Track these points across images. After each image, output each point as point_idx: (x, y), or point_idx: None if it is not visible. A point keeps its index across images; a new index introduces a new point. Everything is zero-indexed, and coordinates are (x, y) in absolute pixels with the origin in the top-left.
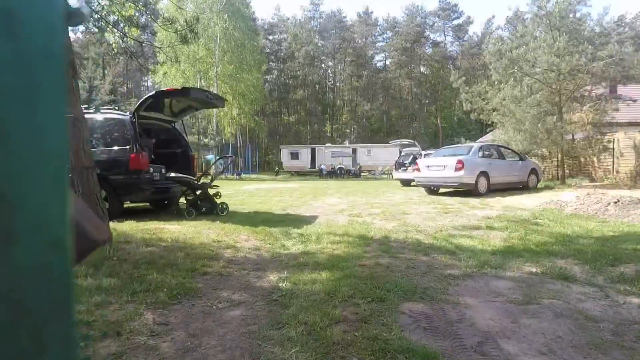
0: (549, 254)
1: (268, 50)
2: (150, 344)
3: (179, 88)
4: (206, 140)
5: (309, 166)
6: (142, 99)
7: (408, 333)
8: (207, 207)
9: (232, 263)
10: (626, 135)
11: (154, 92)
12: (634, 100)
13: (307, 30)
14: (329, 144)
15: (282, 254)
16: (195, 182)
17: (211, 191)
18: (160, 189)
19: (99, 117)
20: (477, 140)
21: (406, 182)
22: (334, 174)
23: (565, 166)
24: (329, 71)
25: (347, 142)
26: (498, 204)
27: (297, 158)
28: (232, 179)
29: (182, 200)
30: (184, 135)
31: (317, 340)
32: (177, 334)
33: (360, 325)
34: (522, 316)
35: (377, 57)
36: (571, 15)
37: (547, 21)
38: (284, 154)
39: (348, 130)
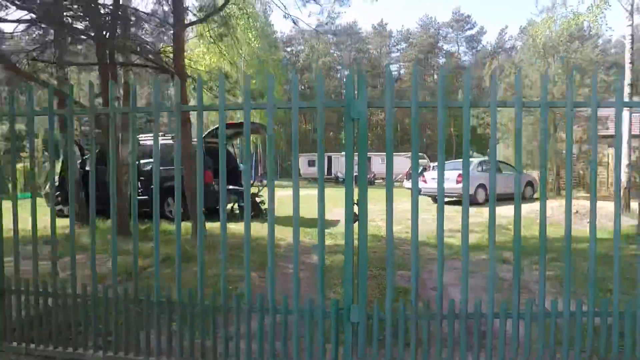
0: (502, 248)
1: (286, 62)
2: (260, 284)
3: (238, 122)
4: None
5: (326, 174)
6: (209, 130)
7: (399, 283)
8: (254, 213)
9: (289, 250)
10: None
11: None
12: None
13: (323, 42)
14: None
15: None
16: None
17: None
18: (218, 198)
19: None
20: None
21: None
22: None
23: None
24: (344, 80)
25: None
26: (499, 212)
27: (314, 165)
28: (256, 186)
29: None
30: (234, 154)
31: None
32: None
33: (371, 279)
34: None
35: (392, 67)
36: (561, 48)
37: (542, 51)
38: (302, 161)
39: None
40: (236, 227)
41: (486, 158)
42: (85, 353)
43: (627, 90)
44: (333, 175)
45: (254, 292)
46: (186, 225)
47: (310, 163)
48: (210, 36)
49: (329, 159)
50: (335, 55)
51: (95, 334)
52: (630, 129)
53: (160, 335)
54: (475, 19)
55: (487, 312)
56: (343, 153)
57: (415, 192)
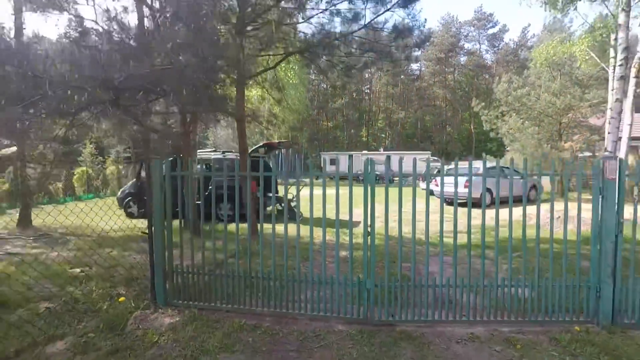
0: (486, 247)
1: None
2: (304, 271)
3: (277, 142)
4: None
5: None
6: (254, 147)
7: (403, 272)
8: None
9: (320, 247)
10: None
11: (262, 143)
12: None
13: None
14: (365, 151)
15: (343, 243)
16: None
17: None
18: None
19: (227, 156)
20: (499, 155)
21: (430, 193)
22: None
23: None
24: (366, 78)
25: (381, 150)
26: (491, 214)
27: (334, 164)
28: (281, 184)
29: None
30: (270, 165)
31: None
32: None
33: (382, 268)
34: (447, 268)
35: (413, 67)
36: (567, 65)
37: (548, 67)
38: (325, 160)
39: (383, 135)
40: (280, 228)
41: (494, 164)
42: (219, 305)
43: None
44: (354, 174)
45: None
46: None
47: (332, 161)
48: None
49: (350, 157)
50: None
51: (225, 294)
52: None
53: (263, 297)
54: (498, 18)
55: (453, 285)
56: (363, 152)
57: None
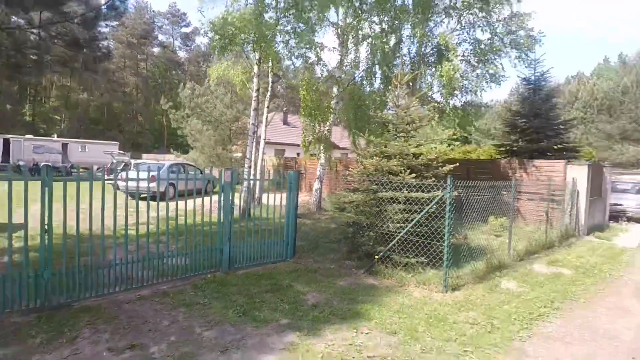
0: (165, 234)
1: None
2: None
3: None
4: None
5: (1, 161)
6: None
7: (82, 260)
8: None
9: None
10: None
11: None
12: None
13: None
14: (30, 136)
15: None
16: None
17: None
18: None
19: None
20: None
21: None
22: (37, 171)
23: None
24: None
25: (55, 136)
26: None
27: None
28: None
29: None
30: None
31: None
32: None
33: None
34: (131, 254)
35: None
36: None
37: (221, 83)
38: None
39: (58, 117)
40: None
41: (178, 160)
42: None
43: None
44: (13, 163)
45: None
46: None
47: None
48: None
49: (6, 142)
50: None
51: None
52: None
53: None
54: (190, 19)
55: (125, 263)
56: (28, 136)
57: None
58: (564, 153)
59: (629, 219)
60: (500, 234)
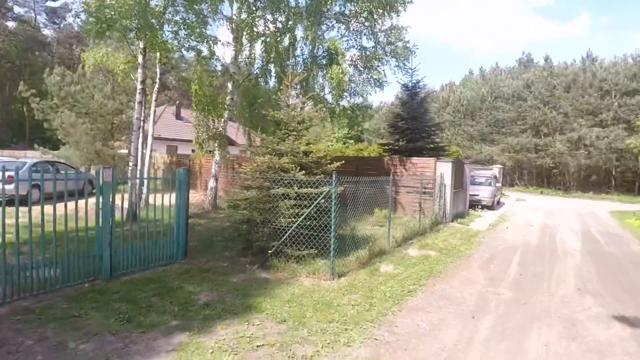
0: (29, 242)
1: None
2: None
3: None
4: None
5: None
6: None
7: None
8: None
9: None
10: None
11: None
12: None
13: None
14: None
15: None
16: None
17: None
18: None
19: None
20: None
21: None
22: None
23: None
24: None
25: None
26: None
27: None
28: None
29: None
30: None
31: None
32: None
33: None
34: None
35: None
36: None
37: (100, 71)
38: None
39: None
40: None
41: (42, 158)
42: None
43: None
44: None
45: None
46: None
47: None
48: None
49: None
50: None
51: None
52: None
53: None
54: None
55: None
56: None
57: None
58: (436, 151)
59: (483, 207)
60: (383, 224)
